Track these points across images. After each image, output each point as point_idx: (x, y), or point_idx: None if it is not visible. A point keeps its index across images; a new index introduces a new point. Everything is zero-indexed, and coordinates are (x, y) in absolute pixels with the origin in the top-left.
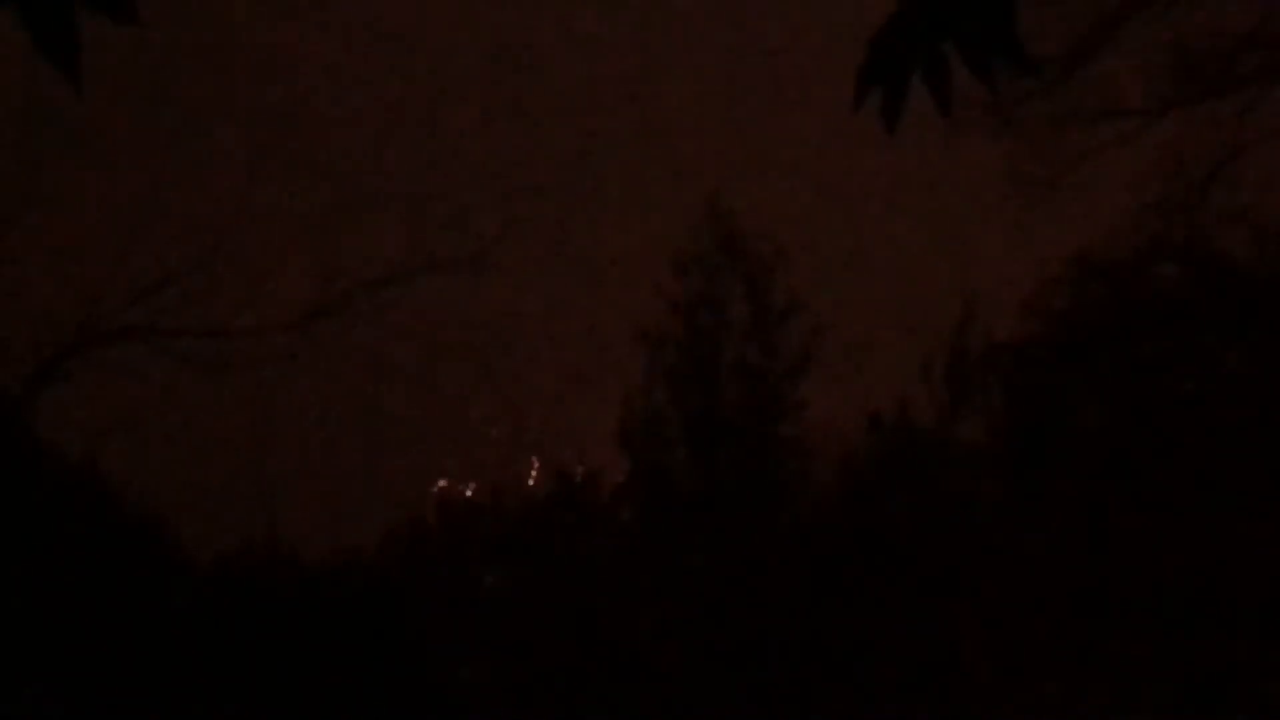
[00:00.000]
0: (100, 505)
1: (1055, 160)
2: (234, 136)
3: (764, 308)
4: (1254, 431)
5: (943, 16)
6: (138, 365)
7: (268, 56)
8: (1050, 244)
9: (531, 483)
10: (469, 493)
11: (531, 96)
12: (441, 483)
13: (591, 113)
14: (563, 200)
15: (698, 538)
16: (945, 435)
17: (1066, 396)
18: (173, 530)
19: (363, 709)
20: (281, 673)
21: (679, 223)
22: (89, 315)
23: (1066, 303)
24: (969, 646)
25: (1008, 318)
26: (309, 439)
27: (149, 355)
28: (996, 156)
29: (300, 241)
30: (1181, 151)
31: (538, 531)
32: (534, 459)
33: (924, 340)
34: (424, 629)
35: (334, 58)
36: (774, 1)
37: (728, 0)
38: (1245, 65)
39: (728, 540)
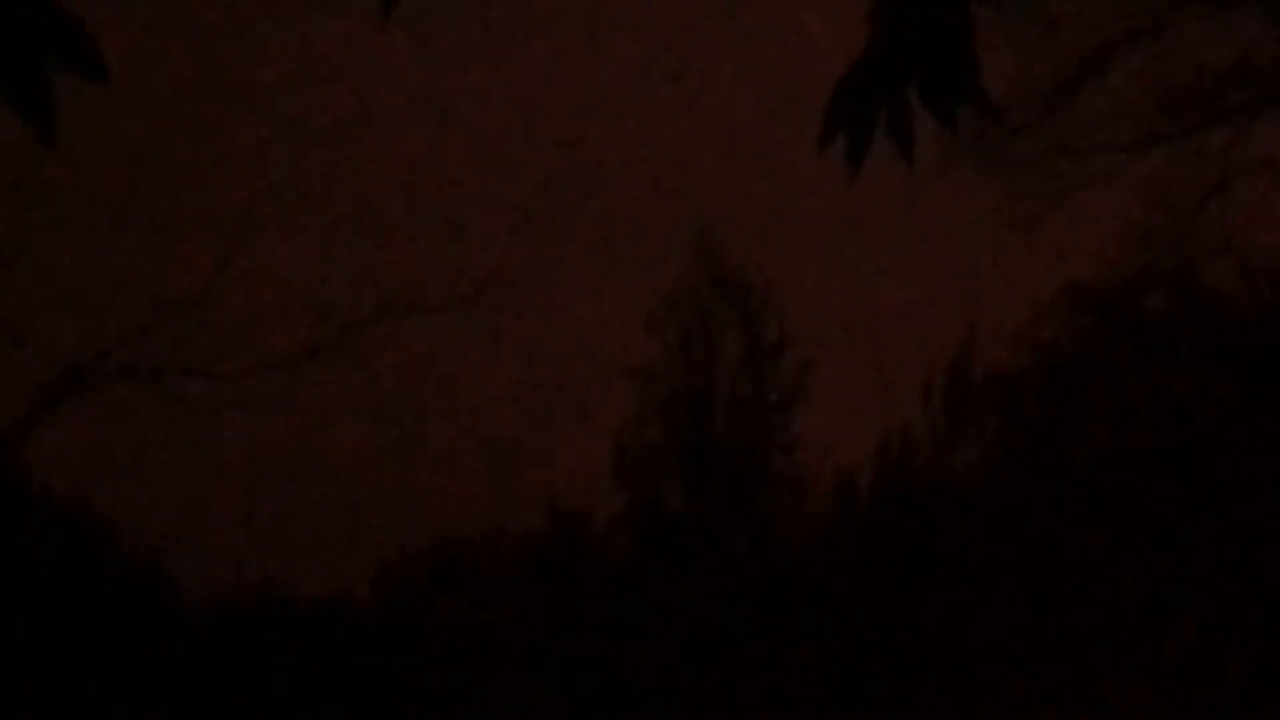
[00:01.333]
0: (94, 545)
1: (1044, 194)
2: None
3: (756, 342)
4: (1244, 460)
5: (906, 62)
6: (131, 406)
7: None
8: (1040, 276)
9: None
10: (463, 528)
11: (522, 135)
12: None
13: (582, 150)
14: (553, 237)
15: (694, 570)
16: (941, 465)
17: (1059, 425)
18: (167, 569)
19: None
20: (277, 711)
21: (670, 258)
22: (82, 356)
23: (1057, 333)
24: (967, 673)
25: (999, 349)
26: (302, 478)
27: (142, 396)
28: (985, 191)
29: (292, 283)
30: (1168, 185)
31: (533, 566)
32: (528, 494)
33: (917, 372)
34: (419, 666)
35: (325, 103)
36: (766, 40)
37: (721, 38)
38: (1230, 99)
39: (724, 572)
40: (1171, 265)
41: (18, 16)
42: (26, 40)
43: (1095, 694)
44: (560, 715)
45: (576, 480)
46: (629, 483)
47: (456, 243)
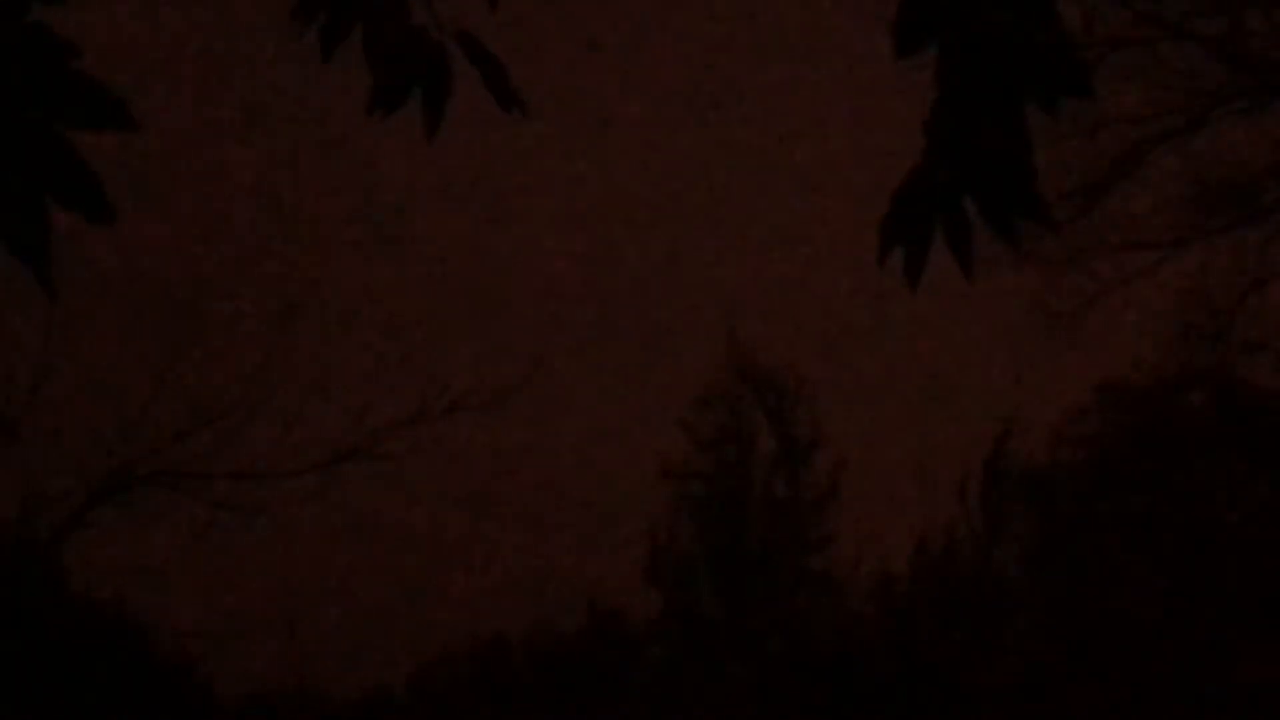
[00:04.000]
0: (132, 648)
1: (1081, 291)
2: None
3: (790, 440)
4: None
5: (964, 173)
6: (167, 509)
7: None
8: (1078, 373)
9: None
10: (500, 628)
11: (556, 234)
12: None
13: (615, 249)
14: (587, 337)
15: (731, 671)
16: (979, 562)
17: (1097, 522)
18: (203, 672)
19: None
20: None
21: (703, 357)
22: (119, 462)
23: (1096, 430)
24: None
25: (1037, 446)
26: (339, 579)
27: (180, 499)
28: (1023, 287)
29: (330, 385)
30: (1206, 282)
31: (570, 667)
32: (564, 594)
33: (953, 470)
34: None
35: (361, 202)
36: (798, 138)
37: (753, 137)
38: (1267, 196)
39: (761, 673)
40: (1209, 362)
41: (18, 154)
42: (27, 179)
43: None
44: None
45: (612, 580)
46: (664, 583)
47: (490, 343)
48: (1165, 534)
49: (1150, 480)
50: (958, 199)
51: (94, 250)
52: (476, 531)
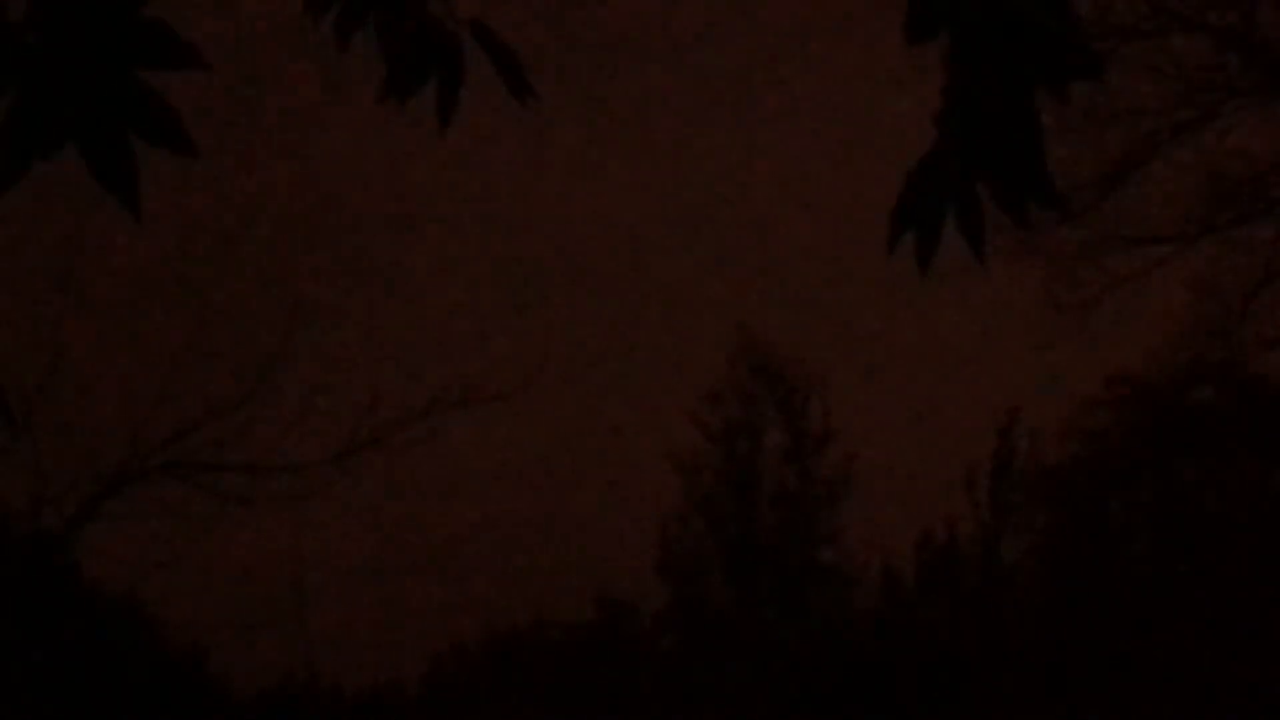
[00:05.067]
0: (143, 640)
1: (1091, 285)
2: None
3: (800, 434)
4: None
5: (976, 158)
6: (179, 502)
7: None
8: (1088, 367)
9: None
10: (512, 620)
11: (568, 232)
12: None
13: (627, 245)
14: (598, 332)
15: (739, 662)
16: (988, 556)
17: (1106, 516)
18: (215, 664)
19: None
20: None
21: (714, 351)
22: (130, 454)
23: (1106, 424)
24: None
25: (1047, 440)
26: (350, 572)
27: (190, 492)
28: (1031, 282)
29: (339, 378)
30: (1217, 276)
31: (581, 661)
32: (576, 586)
33: (963, 464)
34: None
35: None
36: (808, 138)
37: (764, 136)
38: (1278, 189)
39: (770, 665)
40: (1220, 356)
41: (104, 93)
42: (113, 116)
43: None
44: None
45: (623, 573)
46: (674, 575)
47: (502, 338)
48: (1174, 528)
49: (1160, 474)
50: (970, 183)
51: (106, 243)
52: (487, 525)
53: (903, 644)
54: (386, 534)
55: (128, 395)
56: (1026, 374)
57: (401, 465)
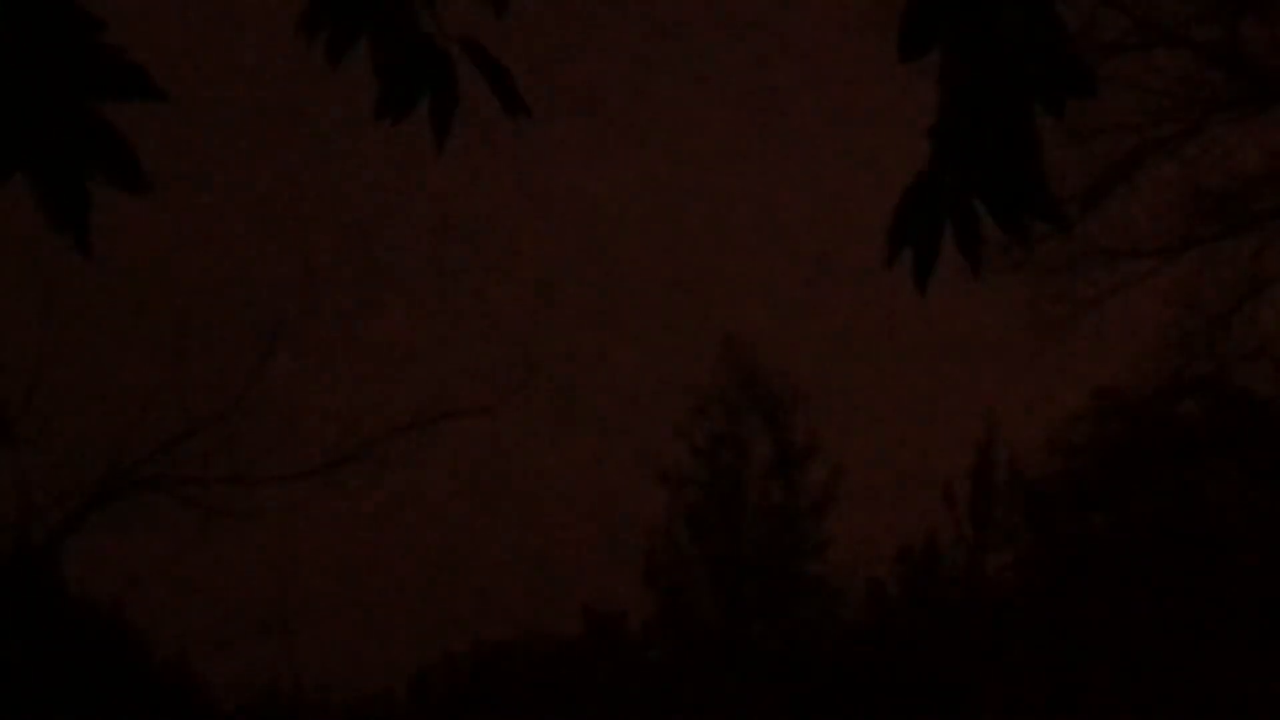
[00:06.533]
0: (128, 652)
1: (1075, 298)
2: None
3: (786, 447)
4: (1278, 565)
5: (973, 174)
6: (163, 514)
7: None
8: (1072, 381)
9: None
10: (499, 632)
11: (550, 243)
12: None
13: (612, 257)
14: (581, 344)
15: (725, 675)
16: (972, 569)
17: (1090, 530)
18: (200, 676)
19: None
20: None
21: (699, 365)
22: (116, 467)
23: (1089, 438)
24: None
25: (1030, 453)
26: (336, 584)
27: (175, 504)
28: (1015, 295)
29: (325, 390)
30: (1201, 289)
31: (567, 673)
32: (562, 598)
33: (947, 477)
34: None
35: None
36: (797, 148)
37: (752, 146)
38: (1262, 203)
39: (756, 677)
40: (1204, 369)
41: (58, 127)
42: (66, 150)
43: None
44: None
45: (610, 585)
46: (660, 588)
47: (487, 349)
48: (1159, 542)
49: (1144, 488)
50: (967, 200)
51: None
52: (474, 537)
53: (888, 656)
54: (373, 546)
55: (113, 408)
56: (1011, 387)
57: (386, 479)
